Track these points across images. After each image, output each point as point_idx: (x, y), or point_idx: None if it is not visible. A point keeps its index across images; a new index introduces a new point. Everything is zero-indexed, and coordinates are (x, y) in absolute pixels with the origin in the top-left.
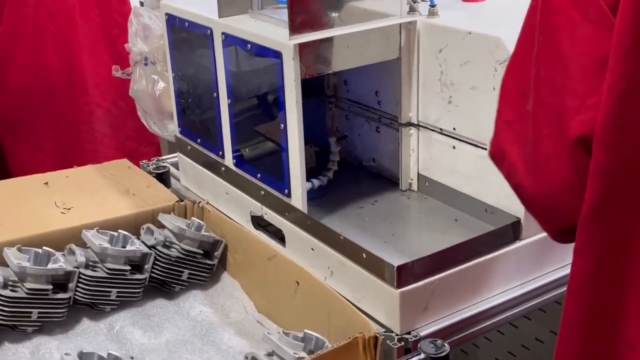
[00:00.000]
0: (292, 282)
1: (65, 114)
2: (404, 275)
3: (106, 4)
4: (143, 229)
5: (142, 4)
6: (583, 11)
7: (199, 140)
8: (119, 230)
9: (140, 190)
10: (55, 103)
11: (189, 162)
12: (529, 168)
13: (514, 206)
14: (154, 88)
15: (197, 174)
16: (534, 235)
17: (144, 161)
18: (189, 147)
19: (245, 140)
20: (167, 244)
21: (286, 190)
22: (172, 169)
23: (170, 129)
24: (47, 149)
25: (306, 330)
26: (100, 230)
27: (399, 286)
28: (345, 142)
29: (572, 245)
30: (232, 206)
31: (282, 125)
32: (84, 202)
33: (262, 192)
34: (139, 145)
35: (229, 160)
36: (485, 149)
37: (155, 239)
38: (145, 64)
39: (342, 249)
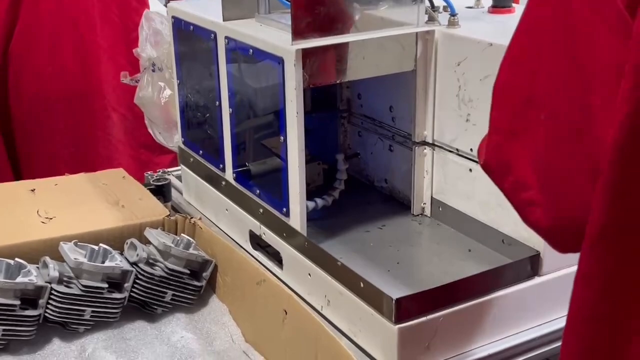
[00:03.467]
0: (280, 310)
1: (81, 119)
2: (403, 309)
3: (126, 4)
4: (127, 244)
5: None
6: (599, 13)
7: (201, 152)
8: (100, 244)
9: (132, 202)
10: (71, 107)
11: (192, 175)
12: (543, 185)
13: (533, 238)
14: (159, 96)
15: (199, 188)
16: (555, 272)
17: (148, 172)
18: (192, 160)
19: (246, 154)
20: (150, 261)
21: (285, 209)
22: (176, 182)
23: (176, 140)
24: (62, 155)
25: None
26: (79, 244)
27: (397, 321)
28: (357, 160)
29: None
30: (231, 224)
31: (282, 138)
32: (68, 212)
33: (261, 210)
34: (154, 154)
35: (229, 175)
36: None
37: (137, 255)
38: (153, 71)
39: (339, 276)
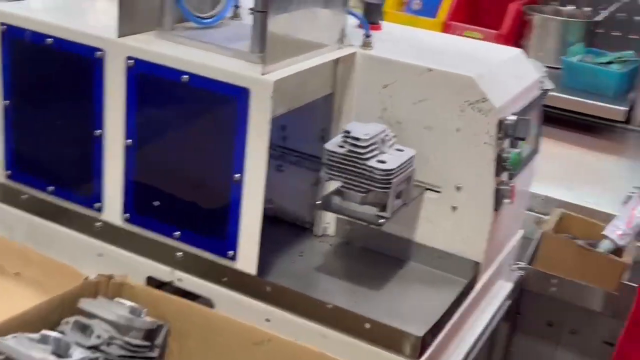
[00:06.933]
0: None
1: None
2: (425, 345)
3: None
4: (67, 323)
5: None
6: None
7: (50, 188)
8: (45, 333)
9: (20, 265)
10: None
11: (24, 217)
12: None
13: (471, 250)
14: None
15: (38, 231)
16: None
17: None
18: (25, 197)
19: (149, 190)
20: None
21: (230, 252)
22: None
23: None
24: None
25: None
26: (17, 336)
27: (419, 357)
28: None
29: None
30: (107, 270)
31: (238, 176)
32: None
33: (180, 254)
34: None
35: (113, 214)
36: (438, 192)
37: (99, 337)
38: None
39: (326, 319)
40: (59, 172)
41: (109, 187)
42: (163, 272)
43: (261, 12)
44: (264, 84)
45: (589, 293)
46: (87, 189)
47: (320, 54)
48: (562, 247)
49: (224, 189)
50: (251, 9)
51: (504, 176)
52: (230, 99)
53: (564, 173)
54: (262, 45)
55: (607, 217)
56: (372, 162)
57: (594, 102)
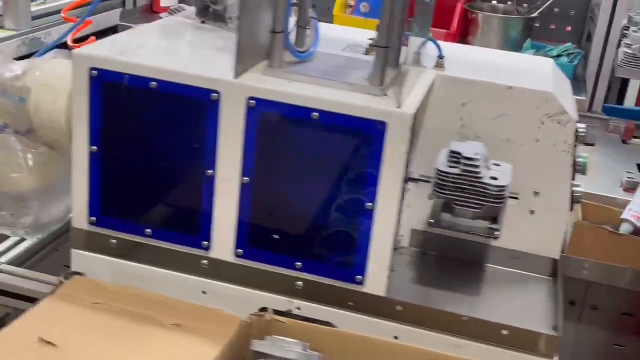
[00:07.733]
0: None
1: None
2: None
3: None
4: None
5: None
6: None
7: (148, 230)
8: None
9: (175, 316)
10: None
11: (112, 262)
12: None
13: (548, 248)
14: (25, 163)
15: (128, 275)
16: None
17: None
18: (114, 242)
19: (266, 224)
20: None
21: (359, 277)
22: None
23: (29, 221)
24: None
25: None
26: None
27: (555, 354)
28: None
29: None
30: (213, 305)
31: (370, 204)
32: (138, 357)
33: (300, 283)
34: None
35: (223, 251)
36: (516, 198)
37: None
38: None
39: (461, 330)
40: (158, 215)
41: (220, 225)
42: (280, 302)
43: (384, 48)
44: (403, 117)
45: (618, 273)
46: (193, 228)
47: (413, 79)
48: (594, 234)
49: (354, 219)
50: (373, 45)
51: None
52: (365, 133)
53: None
54: (382, 78)
55: (610, 201)
56: (486, 180)
57: None
